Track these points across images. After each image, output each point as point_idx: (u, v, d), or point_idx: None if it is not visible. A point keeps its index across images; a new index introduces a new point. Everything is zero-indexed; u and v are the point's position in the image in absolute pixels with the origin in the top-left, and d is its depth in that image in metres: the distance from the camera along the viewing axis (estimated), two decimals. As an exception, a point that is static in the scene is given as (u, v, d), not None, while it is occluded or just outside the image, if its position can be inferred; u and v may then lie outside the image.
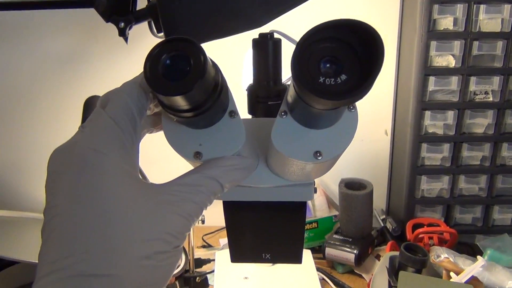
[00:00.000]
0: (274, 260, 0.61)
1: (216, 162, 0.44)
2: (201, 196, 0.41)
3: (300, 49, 0.37)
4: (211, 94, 0.41)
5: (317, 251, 1.36)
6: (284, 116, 0.45)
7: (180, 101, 0.40)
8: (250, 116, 0.62)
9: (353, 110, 0.45)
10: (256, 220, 0.58)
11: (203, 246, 1.41)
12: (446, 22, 1.26)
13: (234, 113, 0.46)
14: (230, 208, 0.57)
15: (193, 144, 0.45)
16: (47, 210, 0.36)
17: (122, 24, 0.91)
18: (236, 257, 0.60)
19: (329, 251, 1.28)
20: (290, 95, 0.43)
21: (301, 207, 0.55)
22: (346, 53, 0.37)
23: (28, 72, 1.46)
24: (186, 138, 0.45)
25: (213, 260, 1.25)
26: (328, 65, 0.38)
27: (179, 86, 0.38)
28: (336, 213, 1.42)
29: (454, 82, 1.29)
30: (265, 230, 0.58)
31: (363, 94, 0.36)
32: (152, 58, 0.39)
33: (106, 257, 0.33)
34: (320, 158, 0.44)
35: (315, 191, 0.56)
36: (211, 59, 0.41)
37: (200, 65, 0.38)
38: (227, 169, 0.43)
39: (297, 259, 0.61)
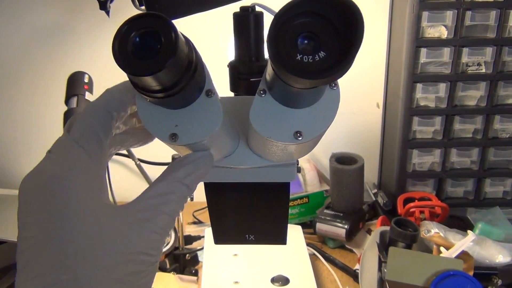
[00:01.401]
0: (258, 241, 0.59)
1: (179, 163, 0.43)
2: (172, 205, 0.40)
3: (275, 24, 0.35)
4: (184, 73, 0.39)
5: (308, 226, 1.35)
6: (263, 95, 0.43)
7: (151, 81, 0.38)
8: (232, 94, 0.60)
9: (335, 88, 0.43)
10: (239, 201, 0.56)
11: (194, 223, 1.40)
12: (438, -8, 1.23)
13: (211, 92, 0.44)
14: (212, 190, 0.55)
15: (168, 126, 0.43)
16: (19, 240, 0.35)
17: (103, -3, 0.88)
18: (219, 238, 0.59)
19: (320, 226, 1.27)
20: (268, 73, 0.41)
21: (284, 187, 0.54)
22: (324, 29, 0.35)
23: (11, 46, 1.43)
24: (161, 119, 0.43)
25: (203, 236, 1.24)
26: (306, 42, 0.35)
27: (149, 65, 0.36)
28: (327, 187, 1.41)
29: (446, 53, 1.26)
30: (248, 211, 0.57)
31: (342, 72, 0.34)
32: (121, 36, 0.37)
33: None
34: (300, 138, 0.42)
35: (299, 171, 0.55)
36: (184, 36, 0.39)
37: (171, 43, 0.36)
38: (191, 168, 0.43)
39: (282, 240, 0.60)
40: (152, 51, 0.36)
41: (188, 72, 0.39)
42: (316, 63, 0.35)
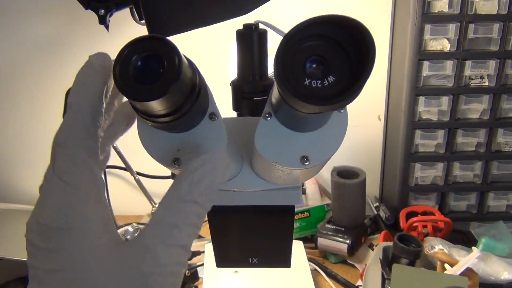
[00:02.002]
0: (261, 264, 0.58)
1: (184, 176, 0.35)
2: (183, 235, 0.34)
3: (284, 47, 0.34)
4: (188, 97, 0.38)
5: (309, 241, 1.33)
6: (269, 118, 0.41)
7: (154, 106, 0.36)
8: (235, 113, 0.59)
9: (342, 111, 0.42)
10: (242, 225, 0.55)
11: (193, 237, 1.38)
12: (441, 4, 1.22)
13: (214, 115, 0.42)
14: (214, 213, 0.54)
15: (171, 150, 0.42)
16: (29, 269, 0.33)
17: (102, 11, 0.87)
18: (222, 262, 0.58)
19: (321, 241, 1.25)
20: (274, 96, 0.39)
21: (289, 210, 0.52)
22: (334, 52, 0.34)
23: (10, 59, 1.41)
24: (163, 144, 0.42)
25: (203, 252, 1.22)
26: (314, 65, 0.34)
27: (152, 90, 0.35)
28: (329, 201, 1.39)
29: (449, 66, 1.25)
30: (251, 234, 0.55)
31: (352, 98, 0.33)
32: (122, 61, 0.35)
33: None
34: (307, 163, 0.41)
35: (304, 192, 0.53)
36: (187, 58, 0.38)
37: (174, 66, 0.35)
38: (199, 176, 0.35)
39: (286, 263, 0.59)
40: (154, 75, 0.35)
41: (192, 96, 0.38)
42: (325, 88, 0.33)
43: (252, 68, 0.55)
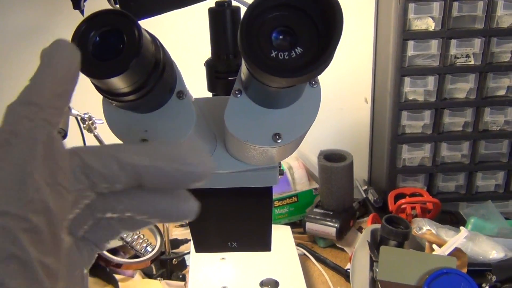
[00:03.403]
0: (241, 248, 0.57)
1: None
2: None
3: (248, 17, 0.32)
4: (151, 73, 0.36)
5: (298, 226, 1.32)
6: (239, 96, 0.40)
7: (116, 83, 0.34)
8: (210, 94, 0.57)
9: (315, 86, 0.40)
10: (219, 208, 0.53)
11: (181, 225, 1.36)
12: (424, -17, 1.20)
13: (182, 94, 0.40)
14: (190, 196, 0.52)
15: (138, 131, 0.40)
16: None
17: (77, -5, 0.84)
18: (200, 247, 0.56)
19: (309, 225, 1.24)
20: (243, 72, 0.38)
21: (267, 192, 0.51)
22: (301, 22, 0.32)
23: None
24: (130, 125, 0.40)
25: (191, 240, 1.21)
26: (281, 37, 0.32)
27: (112, 66, 0.33)
28: (317, 186, 1.38)
29: (434, 46, 1.23)
30: (229, 218, 0.54)
31: (321, 69, 0.31)
32: (79, 37, 0.34)
33: None
34: (280, 141, 0.39)
35: (281, 173, 0.52)
36: (149, 33, 0.36)
37: (134, 41, 0.33)
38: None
39: (266, 246, 0.57)
40: (114, 51, 0.33)
41: (155, 72, 0.36)
42: (292, 60, 0.32)
43: (226, 46, 0.54)
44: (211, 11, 0.54)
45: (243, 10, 0.55)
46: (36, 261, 0.25)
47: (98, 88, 0.37)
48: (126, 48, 0.33)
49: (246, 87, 0.39)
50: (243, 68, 0.37)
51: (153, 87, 0.37)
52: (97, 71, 0.33)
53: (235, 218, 0.54)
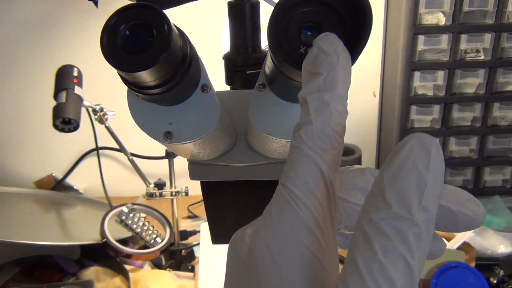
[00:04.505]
0: (258, 240, 0.57)
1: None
2: None
3: (277, 13, 0.32)
4: (179, 67, 0.36)
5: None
6: (262, 90, 0.40)
7: (144, 77, 0.35)
8: (228, 88, 0.57)
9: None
10: (238, 200, 0.54)
11: (189, 217, 1.37)
12: (435, -22, 1.20)
13: (206, 87, 0.41)
14: (209, 188, 0.53)
15: (162, 124, 0.41)
16: None
17: (90, -14, 0.85)
18: (217, 239, 0.57)
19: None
20: (268, 66, 0.38)
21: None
22: (330, 19, 0.32)
23: (-1, 41, 1.39)
24: (155, 117, 0.41)
25: (199, 231, 1.21)
26: (309, 33, 0.33)
27: (141, 60, 0.33)
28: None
29: (444, 40, 1.24)
30: (247, 209, 0.54)
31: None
32: (109, 30, 0.34)
33: None
34: (303, 135, 0.39)
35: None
36: (177, 27, 0.36)
37: (164, 35, 0.33)
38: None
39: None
40: (143, 45, 0.34)
41: (183, 67, 0.37)
42: None
43: (245, 40, 0.54)
44: (231, 4, 0.54)
45: (262, 4, 0.55)
46: None
47: (125, 81, 0.37)
48: (155, 42, 0.34)
49: (270, 82, 0.40)
50: (268, 62, 0.38)
51: (179, 81, 0.37)
52: (126, 65, 0.34)
53: (253, 211, 0.55)
